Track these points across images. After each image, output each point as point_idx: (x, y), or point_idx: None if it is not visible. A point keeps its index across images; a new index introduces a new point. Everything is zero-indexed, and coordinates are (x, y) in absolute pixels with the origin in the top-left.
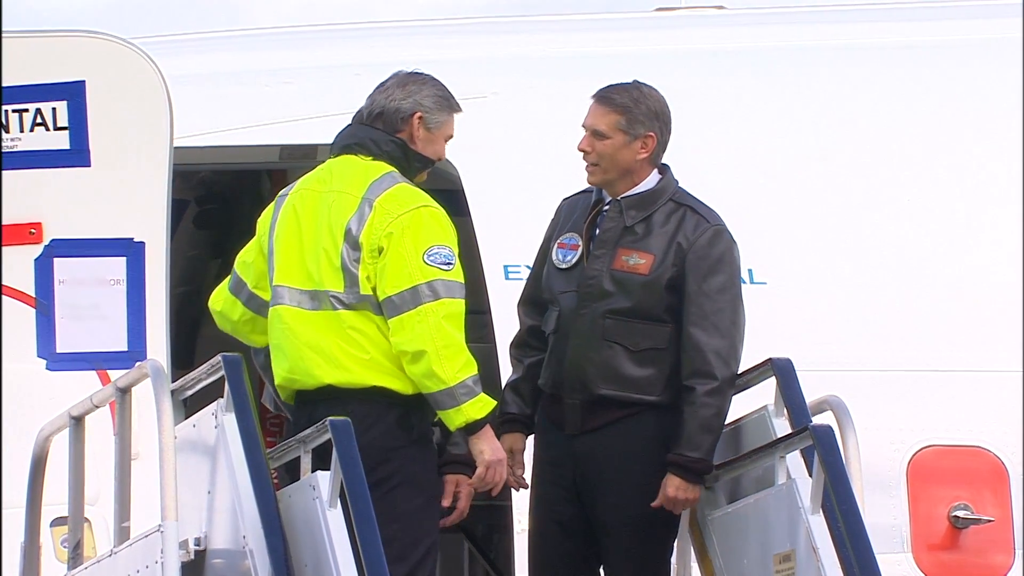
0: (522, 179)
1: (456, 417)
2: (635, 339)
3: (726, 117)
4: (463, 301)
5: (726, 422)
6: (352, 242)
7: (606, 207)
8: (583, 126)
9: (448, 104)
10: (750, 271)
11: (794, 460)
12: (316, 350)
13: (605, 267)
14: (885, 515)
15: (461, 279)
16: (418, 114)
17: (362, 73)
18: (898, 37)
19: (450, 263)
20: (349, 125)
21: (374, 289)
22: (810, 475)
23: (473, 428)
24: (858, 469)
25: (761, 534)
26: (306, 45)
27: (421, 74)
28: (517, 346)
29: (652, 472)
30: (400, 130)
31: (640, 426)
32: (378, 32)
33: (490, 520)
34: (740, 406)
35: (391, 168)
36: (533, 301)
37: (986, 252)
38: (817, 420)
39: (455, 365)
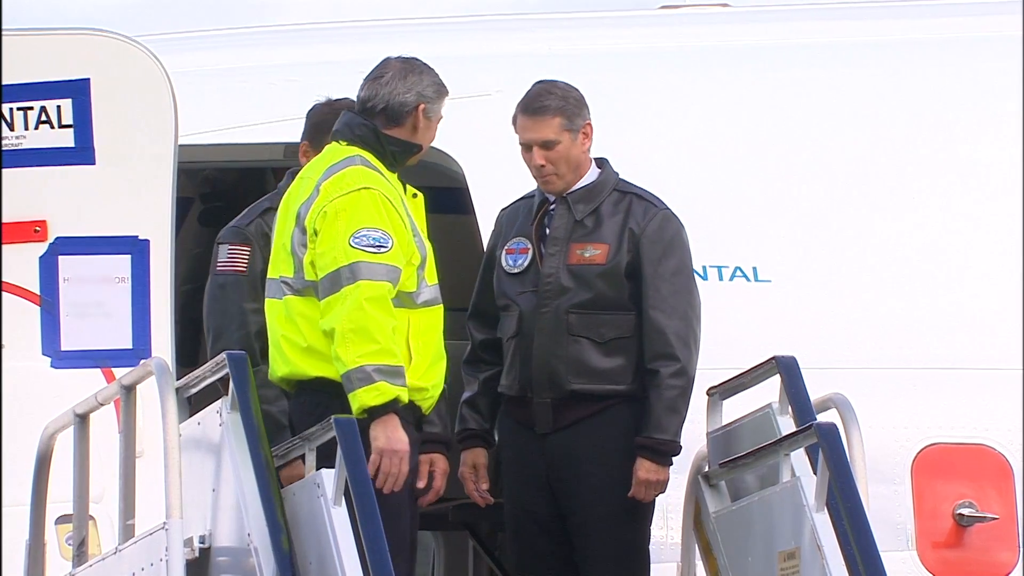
0: (527, 177)
1: (353, 402)
2: (600, 330)
3: (730, 114)
4: (387, 284)
5: (730, 420)
6: (301, 226)
7: (552, 206)
8: (525, 143)
9: (444, 90)
10: (755, 269)
11: (798, 458)
12: (273, 342)
13: (561, 263)
14: (890, 513)
15: (392, 262)
16: (421, 105)
17: (365, 70)
18: (903, 34)
19: (379, 246)
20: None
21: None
22: (815, 473)
23: (373, 415)
24: (862, 467)
25: (765, 532)
26: (310, 42)
27: (416, 61)
28: (470, 363)
29: (627, 463)
30: (403, 123)
31: (612, 419)
32: (382, 29)
33: (494, 518)
34: (745, 404)
35: (360, 152)
36: (482, 313)
37: (990, 249)
38: (822, 418)
39: (358, 350)
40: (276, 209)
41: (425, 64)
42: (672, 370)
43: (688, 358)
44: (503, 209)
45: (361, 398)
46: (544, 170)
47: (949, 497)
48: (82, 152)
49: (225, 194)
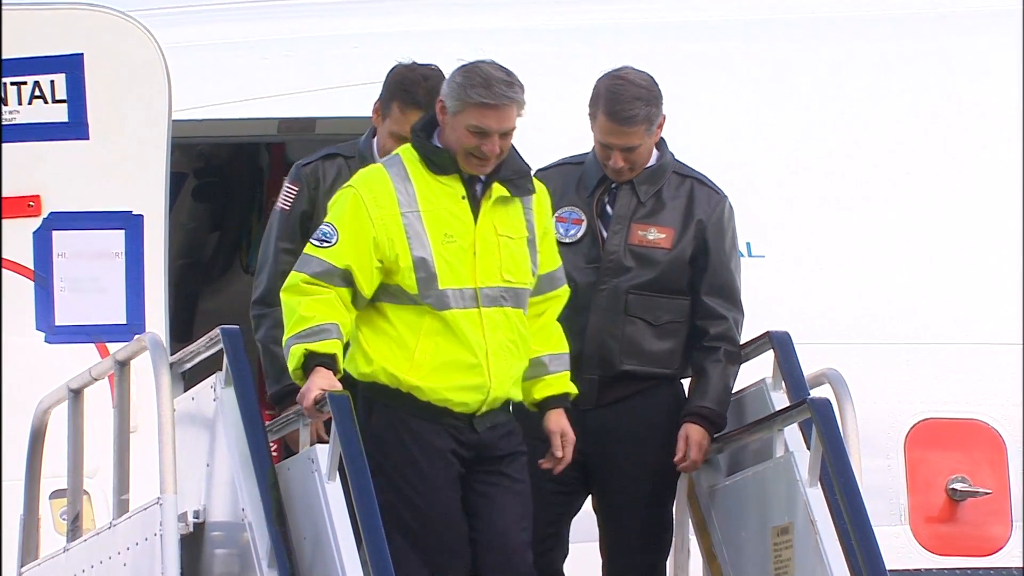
0: (522, 152)
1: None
2: (657, 313)
3: (727, 88)
4: (302, 276)
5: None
6: None
7: (614, 184)
8: (610, 145)
9: (464, 92)
10: (748, 244)
11: (792, 433)
12: None
13: (622, 242)
14: (883, 487)
15: (321, 256)
16: (440, 100)
17: (360, 45)
18: (899, 9)
19: (322, 240)
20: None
21: None
22: (808, 448)
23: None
24: (856, 442)
25: (759, 507)
26: (304, 16)
27: (468, 63)
28: None
29: (665, 443)
30: (437, 127)
31: (654, 400)
32: (377, 4)
33: None
34: (738, 379)
35: (403, 152)
36: None
37: (984, 224)
38: (815, 393)
39: (287, 332)
40: (344, 157)
41: (472, 66)
42: (733, 353)
43: (739, 347)
44: (541, 170)
45: (290, 369)
46: (622, 170)
47: (942, 472)
48: (76, 127)
49: (219, 169)
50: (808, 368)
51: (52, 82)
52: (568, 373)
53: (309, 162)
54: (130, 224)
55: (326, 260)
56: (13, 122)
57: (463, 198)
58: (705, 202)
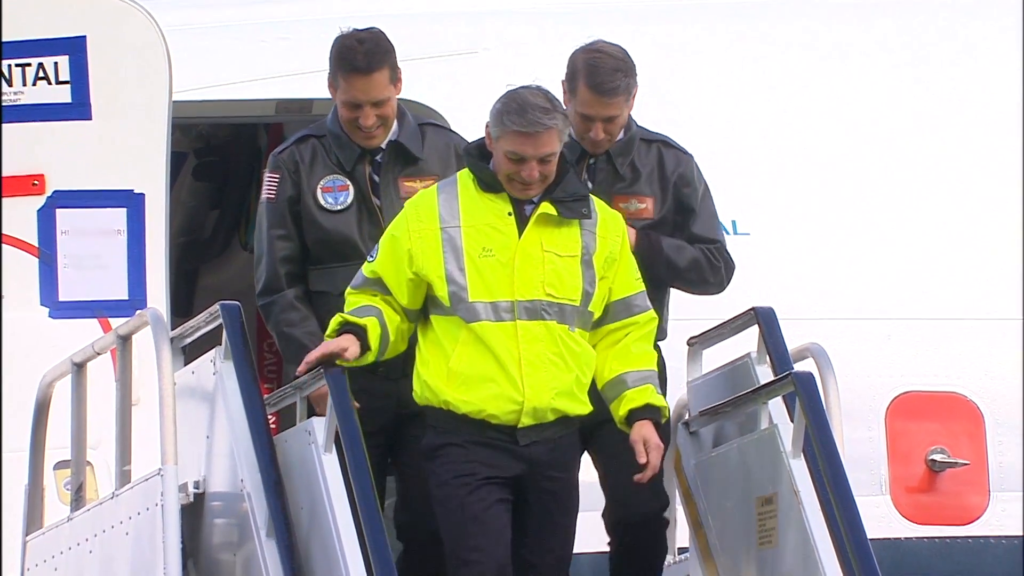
0: None
1: None
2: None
3: (707, 68)
4: (349, 287)
5: (710, 370)
6: None
7: (592, 159)
8: (591, 116)
9: (501, 120)
10: (733, 222)
11: (776, 406)
12: None
13: None
14: (864, 459)
15: (363, 269)
16: (487, 126)
17: (356, 26)
18: None
19: (369, 256)
20: None
21: None
22: (791, 420)
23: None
24: (838, 415)
25: (744, 478)
26: (300, 1)
27: (511, 89)
28: None
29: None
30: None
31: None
32: None
33: None
34: (724, 354)
35: (462, 172)
36: None
37: (963, 203)
38: (799, 367)
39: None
40: (315, 137)
41: (515, 91)
42: (711, 252)
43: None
44: None
45: (325, 337)
46: (601, 142)
47: (922, 443)
48: (79, 107)
49: (218, 149)
50: (792, 343)
51: (56, 64)
52: (650, 387)
53: (284, 148)
54: (132, 202)
55: (364, 272)
56: (18, 103)
57: (509, 214)
58: (675, 163)
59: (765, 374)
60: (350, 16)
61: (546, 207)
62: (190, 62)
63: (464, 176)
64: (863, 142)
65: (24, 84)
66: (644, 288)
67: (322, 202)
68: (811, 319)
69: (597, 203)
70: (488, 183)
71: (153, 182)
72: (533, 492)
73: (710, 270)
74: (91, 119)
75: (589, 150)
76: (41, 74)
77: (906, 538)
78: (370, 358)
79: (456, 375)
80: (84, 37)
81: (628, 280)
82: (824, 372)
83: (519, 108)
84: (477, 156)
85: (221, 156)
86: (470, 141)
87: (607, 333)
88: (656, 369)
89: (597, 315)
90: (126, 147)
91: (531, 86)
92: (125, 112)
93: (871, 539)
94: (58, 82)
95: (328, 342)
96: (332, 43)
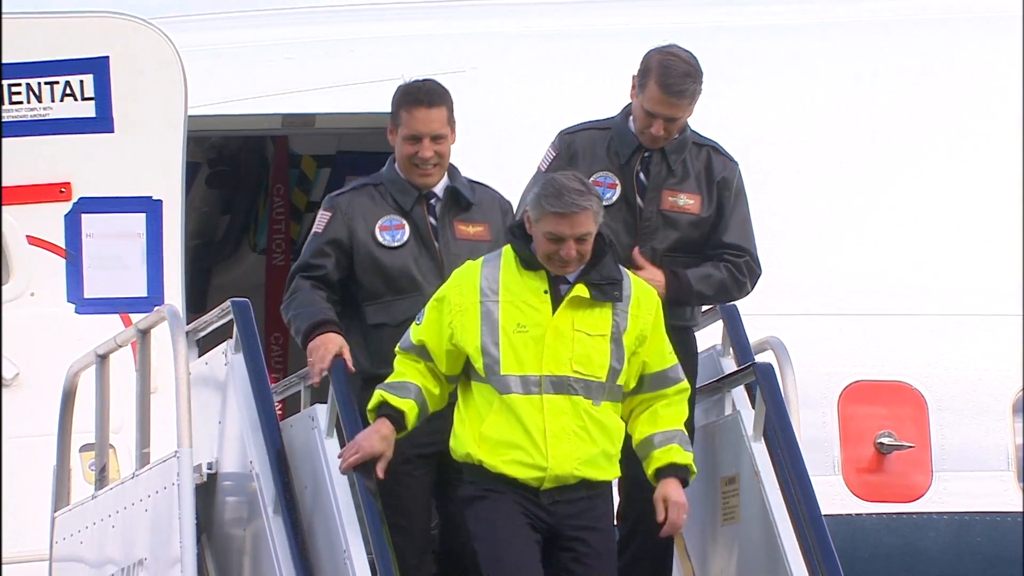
0: (503, 152)
1: None
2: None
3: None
4: (398, 347)
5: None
6: None
7: (647, 153)
8: (656, 114)
9: (539, 202)
10: None
11: (739, 394)
12: None
13: (656, 208)
14: (819, 441)
15: (409, 332)
16: (526, 210)
17: (355, 48)
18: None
19: (417, 319)
20: None
21: None
22: (753, 407)
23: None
24: (795, 401)
25: (709, 459)
26: (306, 23)
27: (549, 175)
28: None
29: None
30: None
31: (688, 342)
32: (370, 10)
33: None
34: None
35: (507, 247)
36: None
37: (916, 203)
38: (759, 359)
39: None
40: (372, 185)
41: (552, 178)
42: (735, 268)
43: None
44: (569, 132)
45: (367, 409)
46: (659, 138)
47: (871, 428)
48: (102, 121)
49: (230, 159)
50: (753, 336)
51: (81, 82)
52: (675, 446)
53: (341, 193)
54: (150, 208)
55: (411, 335)
56: (47, 117)
57: (545, 292)
58: (721, 168)
59: (729, 365)
60: (349, 39)
61: (579, 289)
62: (204, 79)
63: (507, 252)
64: (825, 140)
65: (52, 100)
66: (677, 360)
67: (380, 239)
68: (770, 315)
69: (633, 280)
70: (528, 261)
71: (170, 189)
72: (562, 539)
73: (736, 288)
74: (113, 132)
75: (646, 145)
76: (68, 91)
77: (856, 514)
78: (404, 434)
79: (487, 439)
80: (107, 57)
81: (662, 355)
82: (782, 363)
83: (556, 192)
84: (519, 236)
85: (232, 166)
86: (515, 216)
87: (640, 402)
88: (683, 429)
89: (631, 386)
90: (145, 157)
91: (566, 172)
92: (144, 125)
93: (825, 515)
94: (83, 98)
95: (364, 448)
96: (394, 92)
